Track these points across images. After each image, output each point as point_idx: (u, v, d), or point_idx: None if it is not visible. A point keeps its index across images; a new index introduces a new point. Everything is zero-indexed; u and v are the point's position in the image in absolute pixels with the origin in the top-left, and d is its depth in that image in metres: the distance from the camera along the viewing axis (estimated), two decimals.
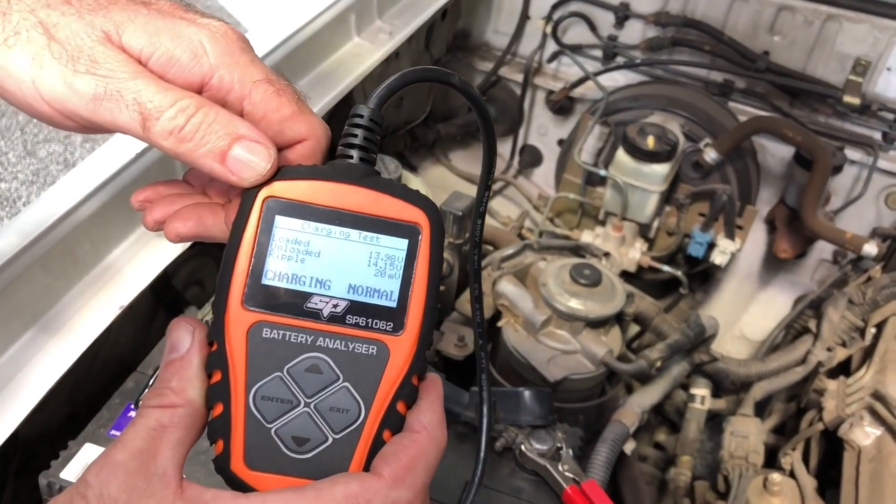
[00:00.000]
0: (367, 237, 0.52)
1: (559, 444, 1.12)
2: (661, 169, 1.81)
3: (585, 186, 2.04)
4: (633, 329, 1.76)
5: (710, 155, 1.89)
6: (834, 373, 1.71)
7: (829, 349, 1.71)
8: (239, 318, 0.51)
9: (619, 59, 2.20)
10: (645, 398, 1.54)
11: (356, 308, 0.52)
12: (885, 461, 1.39)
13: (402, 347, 0.52)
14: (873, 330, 1.70)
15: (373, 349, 0.52)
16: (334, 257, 0.52)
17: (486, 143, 0.60)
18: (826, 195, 2.04)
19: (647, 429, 1.81)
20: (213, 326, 0.52)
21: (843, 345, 1.73)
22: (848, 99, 1.94)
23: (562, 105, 2.30)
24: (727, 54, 2.06)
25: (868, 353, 1.66)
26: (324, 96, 1.56)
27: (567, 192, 2.04)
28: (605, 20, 2.19)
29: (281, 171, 0.52)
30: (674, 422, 1.83)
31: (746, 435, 1.58)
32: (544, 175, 2.48)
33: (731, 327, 2.30)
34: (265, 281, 0.51)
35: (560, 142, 2.38)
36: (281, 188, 0.51)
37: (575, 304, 1.43)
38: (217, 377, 0.51)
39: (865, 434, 1.44)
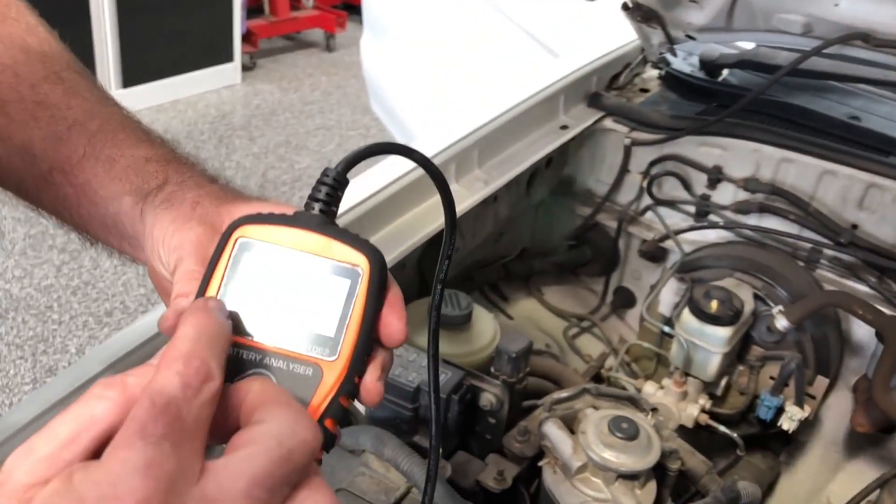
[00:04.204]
0: (315, 276, 0.63)
1: None
2: (724, 332, 1.88)
3: (662, 337, 2.13)
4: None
5: (781, 322, 1.94)
6: None
7: None
8: None
9: (711, 217, 2.30)
10: None
11: (299, 334, 0.62)
12: None
13: (333, 370, 0.61)
14: None
15: (309, 370, 0.60)
16: (286, 290, 0.63)
17: (448, 214, 0.74)
18: None
19: None
20: None
21: None
22: None
23: (654, 254, 2.41)
24: (813, 225, 2.12)
25: None
26: (417, 234, 1.78)
27: (642, 341, 2.14)
28: (698, 179, 2.31)
29: (255, 217, 0.65)
30: None
31: None
32: (637, 317, 2.57)
33: (819, 494, 2.26)
34: (227, 307, 0.61)
35: (653, 287, 2.47)
36: (252, 230, 0.64)
37: (608, 456, 1.52)
38: None
39: None
